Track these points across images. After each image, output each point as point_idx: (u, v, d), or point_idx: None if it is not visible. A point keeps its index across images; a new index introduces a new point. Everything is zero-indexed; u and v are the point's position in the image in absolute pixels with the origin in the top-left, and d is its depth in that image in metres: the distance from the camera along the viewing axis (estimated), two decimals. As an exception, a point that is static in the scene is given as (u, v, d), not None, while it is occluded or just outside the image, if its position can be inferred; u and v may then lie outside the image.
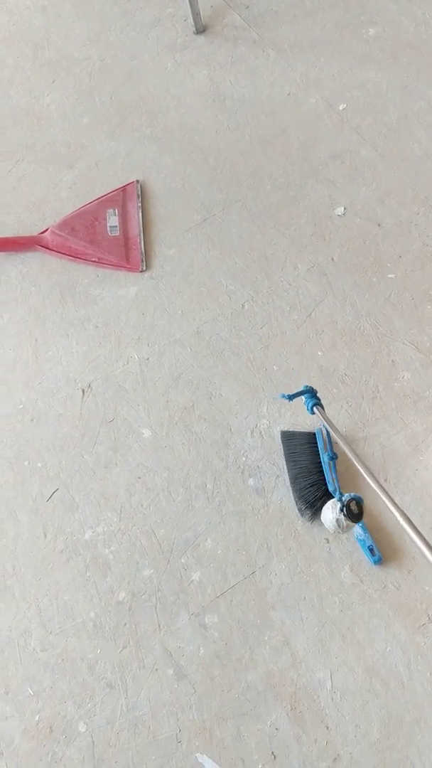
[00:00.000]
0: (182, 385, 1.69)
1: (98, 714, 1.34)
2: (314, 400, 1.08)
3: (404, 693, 1.32)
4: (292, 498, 1.50)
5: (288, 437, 1.56)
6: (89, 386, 1.71)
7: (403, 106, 2.09)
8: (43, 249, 1.93)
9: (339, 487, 1.03)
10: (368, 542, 1.43)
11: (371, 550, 1.42)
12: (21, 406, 1.69)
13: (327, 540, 1.46)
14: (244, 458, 1.57)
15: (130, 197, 2.01)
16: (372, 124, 2.08)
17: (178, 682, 1.36)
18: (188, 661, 1.37)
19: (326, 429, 1.04)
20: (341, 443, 0.99)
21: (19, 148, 2.16)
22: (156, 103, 2.20)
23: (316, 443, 1.53)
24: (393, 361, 1.66)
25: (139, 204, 2.00)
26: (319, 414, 1.07)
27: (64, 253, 1.92)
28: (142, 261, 1.89)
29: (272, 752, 1.28)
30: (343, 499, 1.01)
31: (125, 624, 1.42)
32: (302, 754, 1.28)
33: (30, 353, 1.77)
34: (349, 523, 1.00)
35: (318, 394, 1.08)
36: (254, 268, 1.85)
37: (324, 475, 1.50)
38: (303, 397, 1.08)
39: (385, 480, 1.52)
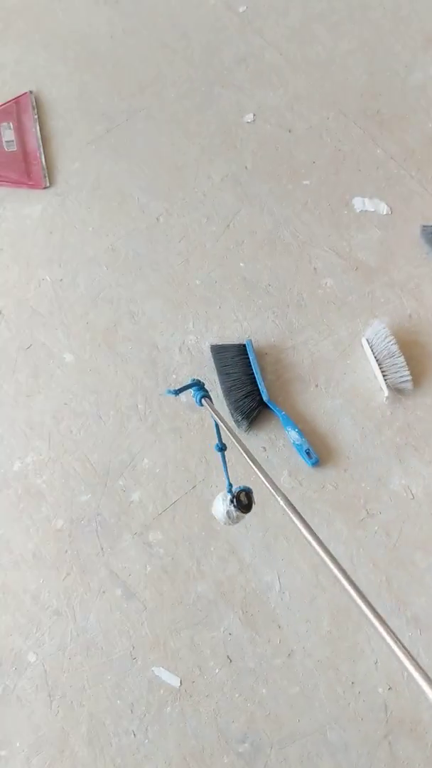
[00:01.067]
0: (101, 305, 1.66)
1: (47, 642, 1.34)
2: (202, 393, 1.09)
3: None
4: (227, 411, 1.52)
5: (218, 350, 1.57)
6: (0, 312, 1.65)
7: (304, 8, 2.07)
8: None
9: (229, 481, 1.05)
10: (305, 446, 1.47)
11: (308, 453, 1.47)
12: None
13: (264, 448, 1.50)
14: (174, 375, 1.57)
15: (25, 109, 1.91)
16: (274, 27, 2.05)
17: (127, 602, 1.37)
18: (135, 579, 1.39)
19: (215, 423, 1.05)
20: (231, 437, 1.00)
21: None
22: (43, 7, 2.08)
23: (247, 354, 1.55)
24: (315, 268, 1.69)
25: (35, 116, 1.90)
26: (207, 406, 1.07)
27: (-43, 172, 1.81)
28: (45, 177, 1.82)
29: (228, 656, 1.33)
30: (233, 491, 1.03)
31: (66, 551, 1.42)
32: (257, 655, 1.33)
33: None
34: (239, 514, 1.04)
35: (205, 386, 1.09)
36: (166, 179, 1.81)
37: (257, 385, 1.52)
38: (191, 390, 1.09)
39: (315, 386, 1.56)
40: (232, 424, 1.51)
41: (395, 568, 1.39)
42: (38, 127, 1.89)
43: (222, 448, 1.09)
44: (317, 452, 1.48)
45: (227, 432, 1.02)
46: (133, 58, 2.00)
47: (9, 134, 1.86)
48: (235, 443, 0.99)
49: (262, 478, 0.94)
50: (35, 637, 1.35)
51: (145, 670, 1.32)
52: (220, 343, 1.58)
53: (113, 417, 1.53)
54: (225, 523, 1.07)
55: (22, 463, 1.49)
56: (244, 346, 1.56)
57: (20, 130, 1.88)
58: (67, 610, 1.37)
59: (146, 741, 1.27)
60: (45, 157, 1.85)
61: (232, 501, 1.03)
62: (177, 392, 1.08)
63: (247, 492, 1.06)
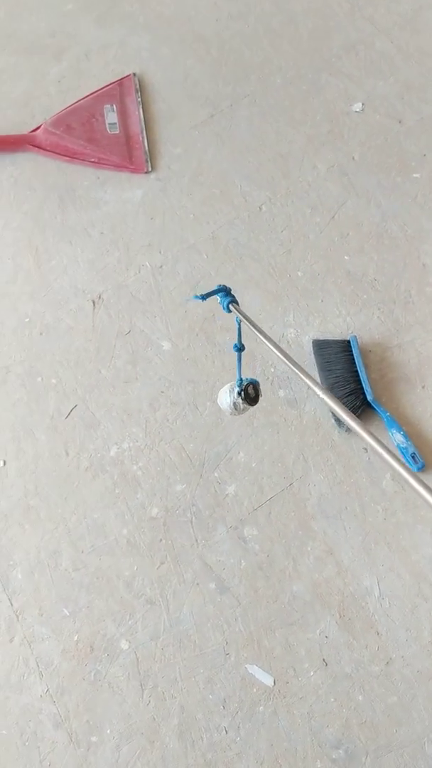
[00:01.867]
0: (200, 293, 1.65)
1: (140, 631, 1.36)
2: (230, 298, 1.09)
3: (452, 596, 1.36)
4: (327, 408, 1.51)
5: (321, 346, 1.55)
6: (100, 297, 1.67)
7: (418, -6, 2.04)
8: (36, 149, 1.85)
9: (241, 377, 1.07)
10: (410, 450, 1.45)
11: (413, 457, 1.45)
12: (27, 319, 1.65)
13: (365, 449, 1.48)
14: (272, 369, 1.57)
15: (128, 92, 1.93)
16: (385, 14, 2.03)
17: (220, 596, 1.38)
18: (230, 574, 1.39)
19: (238, 326, 1.07)
20: (263, 338, 1.01)
21: (-4, 37, 2.04)
22: (149, -13, 2.09)
23: (351, 351, 1.54)
24: (424, 264, 1.66)
25: (139, 99, 1.92)
26: (235, 311, 1.08)
27: (59, 153, 1.84)
28: (147, 161, 1.83)
29: (323, 659, 1.32)
30: (242, 383, 1.05)
31: (161, 540, 1.43)
32: (354, 660, 1.32)
33: (31, 263, 1.72)
34: (246, 405, 1.05)
35: (232, 291, 1.10)
36: (270, 168, 1.81)
37: (361, 384, 1.50)
38: (218, 296, 1.09)
39: (422, 387, 1.54)
40: (331, 421, 1.50)
41: None
42: (141, 110, 1.90)
43: (240, 348, 1.10)
44: (423, 456, 1.46)
45: (265, 340, 1.04)
46: (239, 43, 2.00)
47: (112, 116, 1.88)
48: (265, 341, 1.01)
49: (301, 376, 0.95)
50: (128, 625, 1.36)
51: (238, 667, 1.32)
52: (323, 338, 1.57)
53: (209, 408, 1.54)
54: (231, 414, 1.09)
55: (119, 449, 1.51)
56: (348, 342, 1.55)
57: (123, 113, 1.89)
58: (161, 599, 1.38)
59: (238, 739, 1.27)
60: (147, 141, 1.86)
61: (240, 393, 1.05)
62: (204, 297, 1.10)
63: (255, 385, 1.09)
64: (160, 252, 1.72)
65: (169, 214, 1.76)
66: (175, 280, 1.68)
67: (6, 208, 1.79)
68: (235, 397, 1.07)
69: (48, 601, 1.39)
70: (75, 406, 1.56)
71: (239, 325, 1.08)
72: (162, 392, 1.57)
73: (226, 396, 1.07)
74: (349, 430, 1.50)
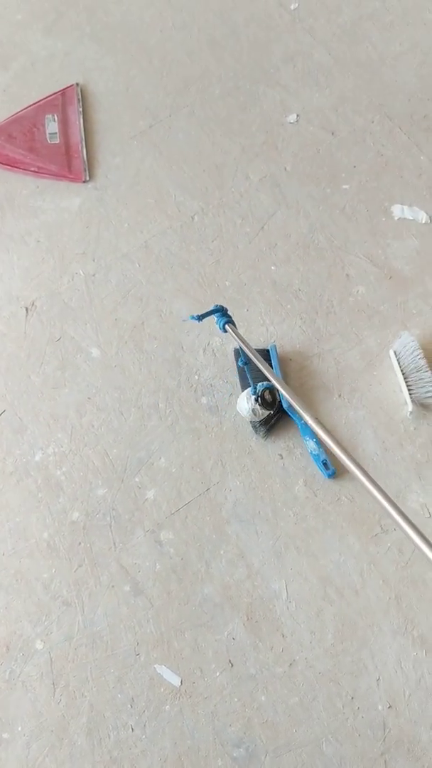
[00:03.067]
0: (131, 302, 1.68)
1: (55, 631, 1.38)
2: (225, 318, 1.11)
3: (358, 600, 1.39)
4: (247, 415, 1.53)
5: (241, 354, 1.57)
6: (33, 304, 1.68)
7: (357, 7, 2.05)
8: (-22, 158, 1.86)
9: (253, 382, 1.11)
10: (322, 456, 1.48)
11: (325, 464, 1.47)
12: (-39, 325, 1.66)
13: (281, 456, 1.50)
14: (196, 377, 1.59)
15: (70, 102, 1.94)
16: (325, 25, 2.04)
17: (134, 598, 1.40)
18: (145, 576, 1.42)
19: (240, 345, 1.10)
20: (254, 360, 1.05)
21: None
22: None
23: (270, 360, 1.56)
24: (348, 275, 1.68)
25: (80, 109, 1.93)
26: (231, 332, 1.11)
27: (0, 162, 1.85)
28: (85, 170, 1.85)
29: (229, 660, 1.35)
30: (258, 389, 1.08)
31: (80, 543, 1.45)
32: (259, 661, 1.35)
33: (-32, 270, 1.73)
34: (264, 410, 1.09)
35: (229, 312, 1.12)
36: (204, 178, 1.82)
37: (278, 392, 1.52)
38: (215, 317, 1.12)
39: (339, 396, 1.56)
40: (249, 428, 1.52)
41: (405, 586, 1.39)
42: (82, 120, 1.92)
43: (245, 362, 1.13)
44: (335, 464, 1.48)
45: (253, 358, 1.07)
46: (181, 53, 2.01)
47: (53, 126, 1.89)
48: (260, 365, 1.03)
49: (286, 395, 0.98)
50: (44, 625, 1.38)
51: (147, 667, 1.35)
52: (245, 347, 1.59)
53: (134, 414, 1.56)
54: (250, 420, 1.11)
55: (44, 454, 1.53)
56: (268, 351, 1.57)
57: (64, 123, 1.91)
58: (77, 601, 1.40)
59: (143, 737, 1.30)
60: (87, 150, 1.87)
61: (257, 399, 1.07)
62: (200, 318, 1.12)
63: (271, 390, 1.12)
64: (93, 260, 1.73)
65: (105, 223, 1.78)
66: (106, 288, 1.70)
67: None
68: (253, 403, 1.10)
69: (-32, 602, 1.41)
70: (3, 411, 1.58)
71: (241, 348, 1.11)
72: (89, 398, 1.59)
73: (245, 403, 1.10)
74: (266, 435, 1.51)
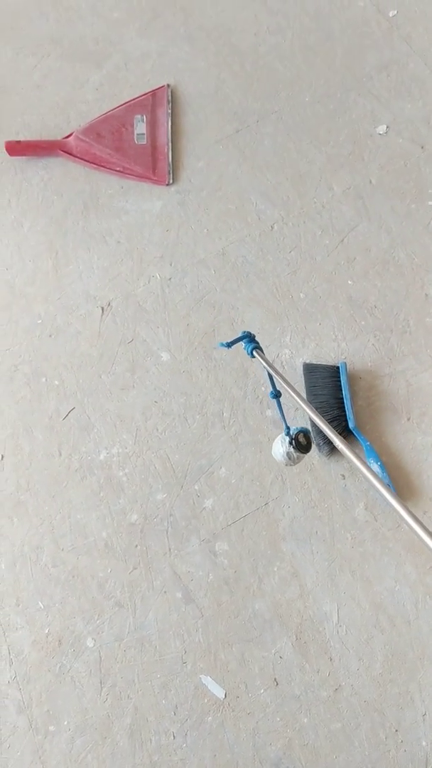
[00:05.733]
0: (204, 308, 1.65)
1: (106, 631, 1.38)
2: (253, 344, 1.07)
3: (409, 630, 1.33)
4: (311, 431, 1.48)
5: (310, 370, 1.52)
6: (109, 304, 1.67)
7: (459, 14, 1.94)
8: (66, 155, 1.85)
9: (287, 424, 1.04)
10: (385, 480, 1.42)
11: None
12: (39, 321, 1.67)
13: (343, 476, 1.45)
14: (263, 388, 1.55)
15: (160, 103, 1.91)
16: (423, 34, 1.94)
17: (185, 606, 1.38)
18: (197, 585, 1.40)
19: (268, 371, 1.04)
20: (284, 385, 1.00)
21: (45, 41, 2.05)
22: (192, 0, 2.06)
23: (339, 377, 1.50)
24: (426, 294, 1.60)
25: (169, 111, 1.90)
26: (259, 357, 1.05)
27: (87, 161, 1.84)
28: (169, 173, 1.82)
29: (275, 679, 1.32)
30: (291, 432, 1.02)
31: (136, 545, 1.44)
32: (304, 683, 1.31)
33: (50, 266, 1.73)
34: (300, 454, 1.03)
35: (257, 338, 1.08)
36: (287, 187, 1.76)
37: (345, 410, 1.47)
38: (242, 343, 1.08)
39: (408, 419, 1.49)
40: (314, 446, 1.47)
41: (460, 621, 1.32)
42: (170, 122, 1.88)
43: (277, 395, 1.08)
44: (398, 489, 1.42)
45: (282, 382, 1.02)
46: (273, 58, 1.95)
47: (141, 127, 1.87)
48: (291, 393, 0.99)
49: (324, 429, 0.93)
50: (96, 624, 1.38)
51: (193, 676, 1.33)
52: (314, 362, 1.54)
53: (198, 421, 1.53)
54: (285, 464, 1.07)
55: (108, 454, 1.52)
56: (338, 368, 1.51)
57: (152, 124, 1.88)
58: (129, 603, 1.39)
59: (184, 745, 1.28)
60: (172, 153, 1.84)
61: (291, 442, 1.03)
62: (229, 345, 1.08)
63: (306, 433, 1.07)
64: (170, 264, 1.71)
65: (184, 227, 1.75)
66: (181, 293, 1.67)
67: (33, 210, 1.81)
68: (287, 447, 1.07)
69: (26, 592, 1.42)
70: (73, 409, 1.58)
71: (270, 374, 1.07)
72: (155, 402, 1.57)
73: (279, 447, 1.06)
74: (329, 454, 1.47)
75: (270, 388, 1.09)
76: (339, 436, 1.03)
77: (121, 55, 2.02)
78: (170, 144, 1.85)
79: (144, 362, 1.60)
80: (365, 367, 1.55)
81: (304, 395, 1.51)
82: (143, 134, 1.86)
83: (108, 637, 1.37)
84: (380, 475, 1.42)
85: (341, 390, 1.49)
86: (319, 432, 1.46)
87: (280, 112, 1.87)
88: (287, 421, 1.08)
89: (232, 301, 1.65)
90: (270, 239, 1.71)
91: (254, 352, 1.10)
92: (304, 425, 1.06)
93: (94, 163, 1.84)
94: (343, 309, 1.61)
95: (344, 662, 1.32)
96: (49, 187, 1.84)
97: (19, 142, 1.86)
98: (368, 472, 0.93)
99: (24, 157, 1.87)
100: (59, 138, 1.89)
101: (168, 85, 1.94)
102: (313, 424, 1.46)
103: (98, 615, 1.39)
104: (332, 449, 1.46)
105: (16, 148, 1.85)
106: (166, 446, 1.52)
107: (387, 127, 1.81)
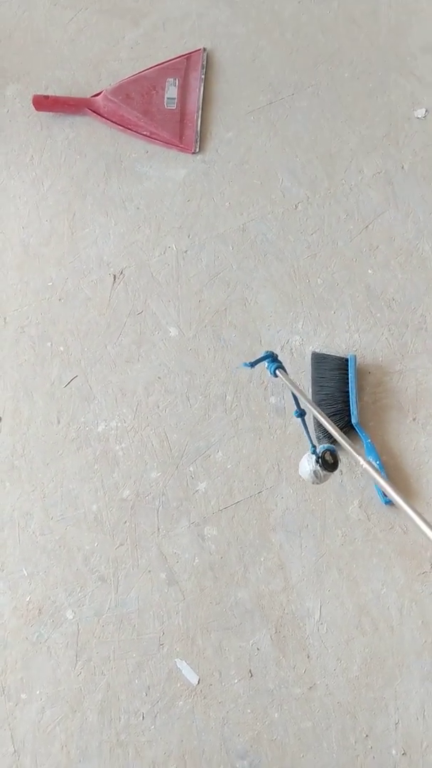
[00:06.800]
0: (217, 285, 1.58)
1: (87, 605, 1.35)
2: (276, 364, 1.03)
3: (392, 636, 1.29)
4: (312, 424, 1.42)
5: (318, 360, 1.46)
6: (121, 272, 1.61)
7: None
8: (94, 114, 1.77)
9: (313, 441, 1.00)
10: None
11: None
12: (50, 283, 1.61)
13: (341, 472, 1.40)
14: (268, 376, 1.48)
15: (194, 67, 1.81)
16: None
17: (168, 587, 1.35)
18: (182, 568, 1.36)
19: (293, 391, 1.01)
20: (307, 403, 0.96)
21: (82, -6, 1.95)
22: (238, -41, 1.94)
23: (347, 370, 1.43)
24: (447, 292, 1.52)
25: (203, 76, 1.80)
26: (282, 377, 1.01)
27: (114, 122, 1.76)
28: (196, 141, 1.73)
29: (250, 670, 1.28)
30: (318, 451, 0.98)
31: (125, 522, 1.40)
32: (279, 678, 1.27)
33: (66, 228, 1.67)
34: (326, 473, 0.99)
35: (279, 358, 1.05)
36: (315, 165, 1.68)
37: (349, 404, 1.41)
38: (265, 363, 1.04)
39: (413, 419, 1.43)
40: (313, 437, 1.41)
41: (445, 631, 1.27)
42: (202, 88, 1.79)
43: (302, 414, 1.05)
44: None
45: (305, 401, 0.99)
46: (316, 29, 1.84)
47: (173, 91, 1.78)
48: (314, 411, 0.96)
49: (344, 444, 0.90)
50: (77, 597, 1.35)
51: (168, 659, 1.30)
52: (323, 352, 1.47)
53: (200, 402, 1.48)
54: (313, 483, 1.05)
55: (107, 426, 1.48)
56: (346, 360, 1.44)
57: (184, 88, 1.79)
58: (112, 579, 1.36)
59: (152, 727, 1.26)
60: (201, 121, 1.75)
61: (317, 461, 1.00)
62: (252, 364, 1.06)
63: (332, 451, 1.04)
64: (188, 236, 1.64)
65: (206, 198, 1.67)
66: (196, 267, 1.60)
67: (55, 169, 1.75)
68: (314, 465, 1.04)
69: (12, 558, 1.39)
70: (75, 377, 1.53)
71: (294, 395, 1.05)
72: (159, 378, 1.51)
73: (306, 465, 1.04)
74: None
75: (294, 407, 1.06)
76: (339, 430, 0.98)
77: (159, 13, 1.92)
78: (200, 111, 1.76)
79: (151, 336, 1.55)
80: (375, 362, 1.48)
81: (310, 385, 1.45)
82: (174, 99, 1.77)
83: (88, 611, 1.34)
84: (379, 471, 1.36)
85: (348, 384, 1.42)
86: (320, 425, 1.40)
87: (317, 86, 1.77)
88: (313, 440, 1.04)
89: (248, 280, 1.58)
90: (293, 219, 1.62)
91: (277, 372, 1.07)
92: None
93: (121, 125, 1.76)
94: (360, 299, 1.53)
95: (321, 661, 1.28)
96: (73, 146, 1.77)
97: (47, 97, 1.78)
98: (368, 466, 0.89)
99: (51, 113, 1.79)
100: (88, 96, 1.80)
101: (204, 49, 1.84)
102: (314, 417, 1.40)
103: (80, 588, 1.36)
104: (332, 443, 1.39)
105: (43, 104, 1.78)
106: (165, 424, 1.47)
107: (426, 111, 1.71)
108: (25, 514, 1.42)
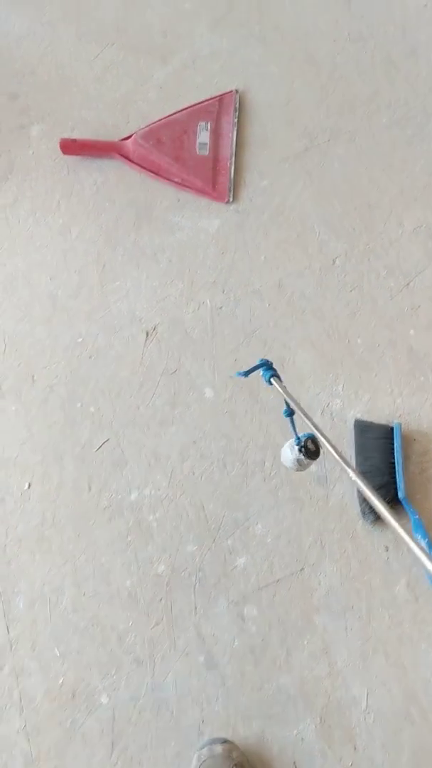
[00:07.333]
0: (254, 343, 1.51)
1: (122, 688, 1.28)
2: (271, 372, 1.00)
3: (442, 727, 1.22)
4: (356, 495, 1.36)
5: (362, 428, 1.39)
6: (154, 329, 1.54)
7: None
8: (123, 159, 1.70)
9: (297, 435, 0.96)
10: (432, 561, 1.29)
11: (433, 570, 1.28)
12: (80, 339, 1.55)
13: (386, 548, 1.33)
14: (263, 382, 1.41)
15: (227, 110, 1.74)
16: None
17: (207, 671, 1.28)
18: (221, 650, 1.29)
19: (285, 399, 0.97)
20: (301, 414, 0.93)
21: (109, 29, 1.88)
22: (270, -4, 1.87)
23: (393, 439, 1.37)
24: None
25: (236, 120, 1.74)
26: (277, 385, 0.98)
27: (145, 168, 1.69)
28: (230, 190, 1.66)
29: (294, 762, 1.22)
30: (301, 438, 0.94)
31: (161, 599, 1.33)
32: (325, 771, 1.21)
33: (96, 280, 1.60)
34: (309, 460, 0.95)
35: (274, 365, 1.02)
36: (353, 217, 1.61)
37: (395, 477, 1.34)
38: (260, 371, 1.00)
39: (462, 492, 1.36)
40: (357, 509, 1.35)
41: None
42: (235, 133, 1.72)
43: (291, 413, 1.01)
44: (443, 571, 1.29)
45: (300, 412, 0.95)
46: (352, 70, 1.77)
47: (205, 136, 1.71)
48: (306, 420, 0.91)
49: (391, 522, 0.83)
50: (112, 679, 1.29)
51: (208, 749, 1.23)
52: (366, 420, 1.40)
53: (238, 468, 1.41)
54: (295, 470, 1.02)
55: (140, 494, 1.41)
56: (392, 429, 1.38)
57: (216, 133, 1.72)
58: (149, 661, 1.30)
59: None
60: (234, 168, 1.68)
61: (300, 449, 0.97)
62: (246, 373, 1.03)
63: (314, 439, 1.01)
64: (223, 291, 1.57)
65: (241, 252, 1.60)
66: (231, 324, 1.54)
67: (84, 216, 1.68)
68: (297, 453, 1.00)
69: (42, 636, 1.33)
70: (107, 440, 1.46)
71: (286, 401, 1.00)
72: (194, 442, 1.45)
73: (289, 453, 1.00)
74: (374, 522, 1.34)
75: (284, 407, 1.01)
76: (386, 504, 0.92)
77: (188, 50, 1.85)
78: (233, 157, 1.69)
79: (186, 397, 1.48)
80: (420, 428, 1.41)
81: (353, 452, 1.38)
82: (206, 144, 1.70)
83: (123, 695, 1.28)
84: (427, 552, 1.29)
85: (393, 453, 1.35)
86: (365, 499, 1.33)
87: (354, 132, 1.70)
88: (298, 435, 0.99)
89: (285, 338, 1.51)
90: (331, 275, 1.56)
91: (272, 380, 1.03)
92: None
93: (152, 171, 1.69)
94: (403, 361, 1.47)
95: (369, 753, 1.21)
96: (101, 191, 1.70)
97: (75, 140, 1.71)
98: (415, 546, 0.82)
99: (79, 157, 1.72)
100: (116, 139, 1.74)
101: (236, 91, 1.77)
102: (358, 491, 1.33)
103: (115, 670, 1.29)
104: (377, 518, 1.33)
105: (71, 147, 1.71)
106: (201, 492, 1.40)
107: (469, 160, 1.63)
108: (56, 590, 1.35)
